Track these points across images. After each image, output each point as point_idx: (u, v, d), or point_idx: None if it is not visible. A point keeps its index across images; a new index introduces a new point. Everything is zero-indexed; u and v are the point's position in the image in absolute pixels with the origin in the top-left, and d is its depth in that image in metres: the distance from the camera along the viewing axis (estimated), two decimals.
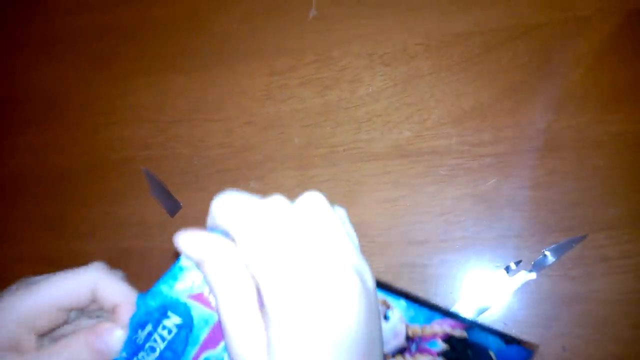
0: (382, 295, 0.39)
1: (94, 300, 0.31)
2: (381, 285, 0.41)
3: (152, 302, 0.32)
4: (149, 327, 0.32)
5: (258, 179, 0.55)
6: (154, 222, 0.57)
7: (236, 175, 0.56)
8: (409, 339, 0.40)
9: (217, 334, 0.30)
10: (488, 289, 0.47)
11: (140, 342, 0.32)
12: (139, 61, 0.62)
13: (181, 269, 0.32)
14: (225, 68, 0.58)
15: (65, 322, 0.31)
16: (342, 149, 0.53)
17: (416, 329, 0.41)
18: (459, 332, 0.41)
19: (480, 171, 0.50)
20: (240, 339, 0.23)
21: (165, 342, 0.32)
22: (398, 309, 0.40)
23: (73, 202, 0.62)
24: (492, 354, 0.42)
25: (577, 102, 0.49)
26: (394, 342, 0.39)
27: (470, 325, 0.41)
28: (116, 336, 0.30)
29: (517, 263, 0.47)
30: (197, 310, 0.32)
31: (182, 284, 0.32)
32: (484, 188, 0.49)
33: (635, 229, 0.45)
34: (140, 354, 0.32)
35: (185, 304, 0.32)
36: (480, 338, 0.41)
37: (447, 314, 0.42)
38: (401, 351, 0.39)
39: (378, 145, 0.53)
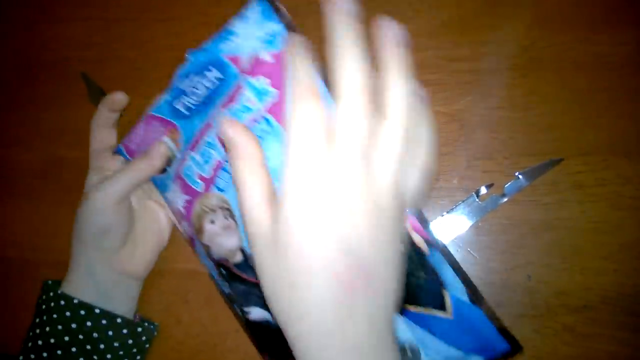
0: None
1: None
2: None
3: (202, 58, 0.39)
4: (194, 77, 0.40)
5: None
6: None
7: None
8: None
9: (238, 93, 0.36)
10: (455, 212, 0.43)
11: (185, 89, 0.40)
12: None
13: (230, 32, 0.38)
14: None
15: None
16: None
17: None
18: (419, 239, 0.35)
19: (455, 88, 0.46)
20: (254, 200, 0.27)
21: (207, 90, 0.39)
22: None
23: (1, 106, 0.55)
24: (446, 293, 0.36)
25: (564, 19, 0.45)
26: None
27: (436, 246, 0.35)
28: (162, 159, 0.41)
29: (488, 186, 0.43)
30: (230, 69, 0.37)
31: (227, 46, 0.38)
32: (458, 106, 0.45)
33: (613, 156, 0.43)
34: (184, 98, 0.40)
35: (225, 62, 0.38)
36: (440, 269, 0.36)
37: (420, 217, 0.36)
38: None
39: None
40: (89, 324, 0.41)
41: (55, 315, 0.41)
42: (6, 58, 0.55)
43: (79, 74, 0.52)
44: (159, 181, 0.43)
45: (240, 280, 0.39)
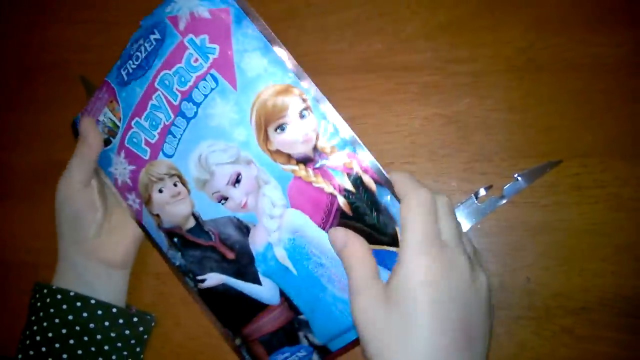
0: (301, 90, 0.38)
1: None
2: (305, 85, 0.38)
3: (150, 22, 0.40)
4: (140, 41, 0.40)
5: None
6: None
7: None
8: (316, 150, 0.37)
9: (174, 58, 0.38)
10: (455, 214, 0.43)
11: (132, 53, 0.41)
12: None
13: None
14: None
15: None
16: (306, 60, 0.48)
17: (325, 144, 0.37)
18: (367, 179, 0.36)
19: (453, 90, 0.46)
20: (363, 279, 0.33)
21: (146, 53, 0.39)
22: (315, 116, 0.37)
23: (0, 108, 0.55)
24: (398, 229, 0.36)
25: (560, 21, 0.45)
26: (302, 147, 0.37)
27: (384, 183, 0.36)
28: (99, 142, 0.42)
29: (487, 188, 0.43)
30: (169, 29, 0.38)
31: (171, 7, 0.39)
32: (455, 108, 0.45)
33: (611, 158, 0.43)
34: (129, 63, 0.41)
35: (165, 24, 0.39)
36: (391, 204, 0.36)
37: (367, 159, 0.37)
38: (305, 161, 0.37)
39: (346, 58, 0.48)
40: (85, 314, 0.42)
41: (52, 310, 0.42)
42: (5, 59, 0.55)
43: (77, 77, 0.52)
44: (102, 156, 0.43)
45: (194, 246, 0.40)
